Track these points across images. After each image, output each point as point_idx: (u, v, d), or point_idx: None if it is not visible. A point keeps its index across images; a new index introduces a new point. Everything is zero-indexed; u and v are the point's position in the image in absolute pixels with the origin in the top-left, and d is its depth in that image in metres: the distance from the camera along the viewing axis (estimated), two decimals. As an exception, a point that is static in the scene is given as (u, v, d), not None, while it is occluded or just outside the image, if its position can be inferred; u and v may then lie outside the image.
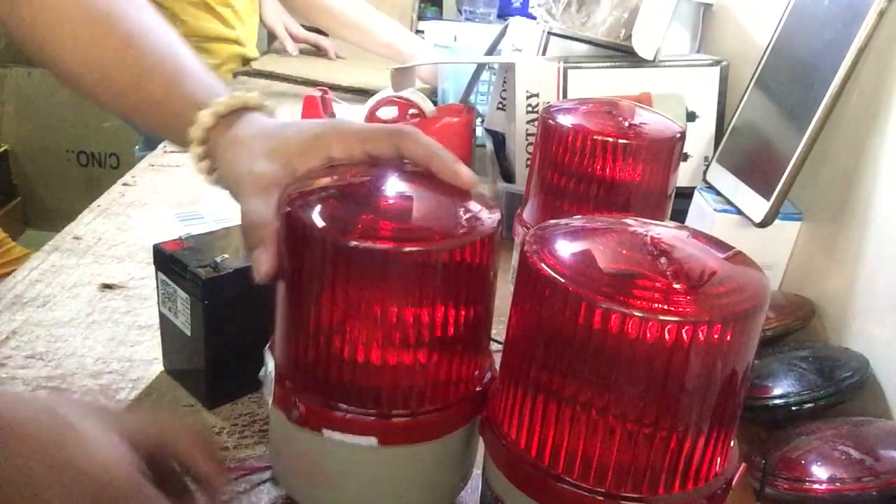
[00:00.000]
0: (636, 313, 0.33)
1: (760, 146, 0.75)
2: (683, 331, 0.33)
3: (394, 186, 0.45)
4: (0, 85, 2.42)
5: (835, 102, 0.66)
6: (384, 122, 0.95)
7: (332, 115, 0.98)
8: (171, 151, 1.07)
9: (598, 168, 0.60)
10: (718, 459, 0.38)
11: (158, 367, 0.61)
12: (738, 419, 0.39)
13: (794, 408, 0.56)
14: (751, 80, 0.80)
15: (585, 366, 0.35)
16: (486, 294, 0.43)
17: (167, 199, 0.91)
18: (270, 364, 0.44)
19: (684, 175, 0.86)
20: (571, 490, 0.36)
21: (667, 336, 0.33)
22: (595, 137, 0.60)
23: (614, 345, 0.34)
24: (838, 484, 0.47)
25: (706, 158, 0.86)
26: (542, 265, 0.36)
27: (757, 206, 0.70)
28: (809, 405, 0.56)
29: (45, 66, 0.58)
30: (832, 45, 0.67)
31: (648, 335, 0.33)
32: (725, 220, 0.73)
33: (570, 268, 0.36)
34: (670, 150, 0.62)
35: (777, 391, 0.57)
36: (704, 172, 0.81)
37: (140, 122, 0.57)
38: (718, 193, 0.76)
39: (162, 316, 0.58)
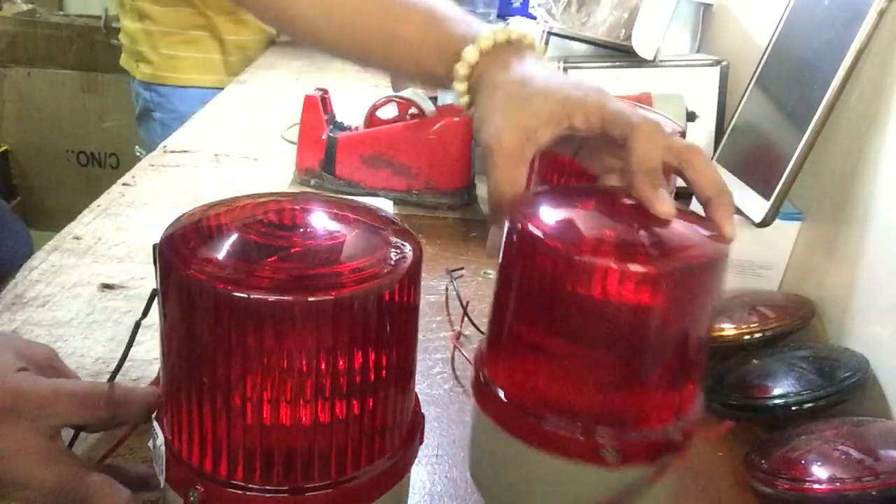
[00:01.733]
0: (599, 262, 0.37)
1: (760, 146, 0.75)
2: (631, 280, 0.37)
3: (294, 221, 0.38)
4: (0, 85, 2.43)
5: (835, 102, 0.66)
6: (383, 122, 0.95)
7: (333, 115, 0.98)
8: (171, 151, 1.07)
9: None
10: (683, 400, 0.41)
11: (158, 367, 0.60)
12: (699, 372, 0.41)
13: (794, 408, 0.56)
14: (751, 80, 0.80)
15: (559, 316, 0.39)
16: (409, 332, 0.38)
17: (167, 199, 0.91)
18: (160, 437, 0.37)
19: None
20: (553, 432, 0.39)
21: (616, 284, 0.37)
22: None
23: (580, 295, 0.37)
24: (838, 484, 0.47)
25: (706, 158, 0.86)
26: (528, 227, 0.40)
27: (757, 206, 0.70)
28: (809, 405, 0.56)
29: (280, 24, 0.58)
30: (832, 45, 0.67)
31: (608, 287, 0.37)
32: (725, 220, 0.73)
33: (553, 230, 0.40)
34: None
35: (777, 391, 0.57)
36: (704, 172, 0.81)
37: (388, 68, 0.58)
38: (718, 193, 0.76)
39: (162, 316, 0.58)
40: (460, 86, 0.52)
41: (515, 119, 0.47)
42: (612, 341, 0.38)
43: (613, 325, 0.38)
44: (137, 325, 0.42)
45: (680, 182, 0.48)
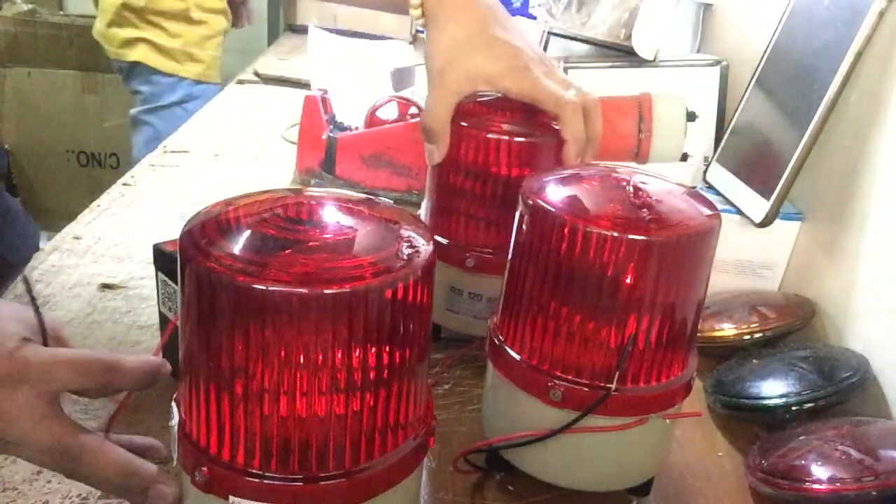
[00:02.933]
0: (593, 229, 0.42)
1: (760, 146, 0.75)
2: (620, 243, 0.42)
3: (311, 215, 0.39)
4: (0, 85, 2.42)
5: (835, 103, 0.66)
6: (383, 122, 0.95)
7: (333, 115, 0.98)
8: (171, 151, 1.07)
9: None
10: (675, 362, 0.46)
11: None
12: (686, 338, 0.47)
13: (794, 408, 0.56)
14: (751, 80, 0.80)
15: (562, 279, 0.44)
16: (423, 325, 0.38)
17: (167, 199, 0.91)
18: (175, 417, 0.39)
19: (684, 175, 0.86)
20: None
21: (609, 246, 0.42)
22: None
23: (576, 255, 0.43)
24: (838, 484, 0.47)
25: (706, 158, 0.86)
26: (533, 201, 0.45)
27: (757, 206, 0.70)
28: (809, 405, 0.56)
29: None
30: (832, 46, 0.67)
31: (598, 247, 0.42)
32: (725, 220, 0.72)
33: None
34: None
35: (777, 391, 0.57)
36: (704, 172, 0.81)
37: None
38: (718, 193, 0.76)
39: (162, 316, 0.58)
40: (415, 11, 0.58)
41: (464, 62, 0.55)
42: (612, 303, 0.43)
43: (615, 288, 0.43)
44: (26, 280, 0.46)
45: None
